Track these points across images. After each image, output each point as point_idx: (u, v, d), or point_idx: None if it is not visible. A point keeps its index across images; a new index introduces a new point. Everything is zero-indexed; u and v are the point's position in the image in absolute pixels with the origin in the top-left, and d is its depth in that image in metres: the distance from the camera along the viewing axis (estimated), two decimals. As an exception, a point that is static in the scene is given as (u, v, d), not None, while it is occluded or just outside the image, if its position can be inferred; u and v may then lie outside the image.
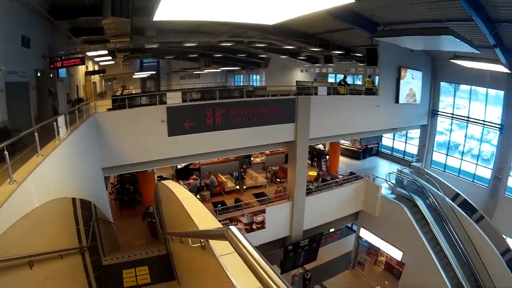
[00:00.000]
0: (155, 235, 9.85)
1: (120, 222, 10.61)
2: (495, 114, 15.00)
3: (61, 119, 5.72)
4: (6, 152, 3.43)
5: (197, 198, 11.93)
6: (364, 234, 13.96)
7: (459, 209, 12.98)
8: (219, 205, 11.33)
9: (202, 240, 3.08)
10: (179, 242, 4.67)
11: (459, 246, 12.41)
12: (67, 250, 4.54)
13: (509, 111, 14.09)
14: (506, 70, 12.26)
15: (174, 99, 10.16)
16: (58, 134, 5.46)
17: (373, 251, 14.55)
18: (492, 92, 15.24)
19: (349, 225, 17.12)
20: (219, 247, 2.61)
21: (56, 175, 5.11)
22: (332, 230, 15.56)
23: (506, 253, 12.24)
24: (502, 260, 11.57)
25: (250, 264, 1.44)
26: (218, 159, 13.62)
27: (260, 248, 11.52)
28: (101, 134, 8.48)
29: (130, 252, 7.28)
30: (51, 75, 9.69)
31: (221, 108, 10.10)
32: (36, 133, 4.38)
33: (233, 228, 1.87)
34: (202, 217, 3.89)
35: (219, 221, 10.22)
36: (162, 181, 9.09)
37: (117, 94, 17.49)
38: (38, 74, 8.53)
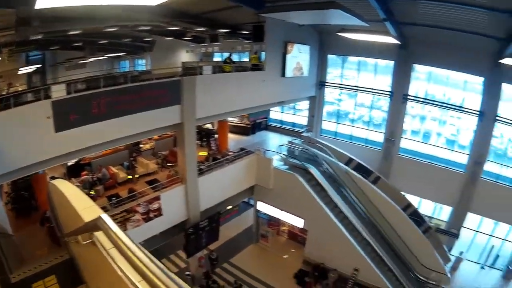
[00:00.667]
0: (56, 240, 9.11)
1: (20, 233, 9.74)
2: (385, 82, 16.17)
3: None
4: None
5: (92, 194, 11.49)
6: (262, 207, 14.31)
7: (354, 172, 13.81)
8: (114, 198, 10.79)
9: (90, 235, 2.95)
10: (76, 243, 4.43)
11: (359, 207, 13.20)
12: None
13: (399, 79, 15.23)
14: (396, 42, 13.14)
15: (58, 92, 9.44)
16: None
17: (274, 222, 15.10)
18: (382, 62, 16.39)
19: (246, 200, 17.45)
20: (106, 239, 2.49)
21: None
22: (229, 207, 15.81)
23: (408, 208, 13.28)
24: (405, 214, 12.54)
25: (120, 247, 1.36)
26: (108, 150, 13.05)
27: (161, 236, 11.42)
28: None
29: (36, 263, 6.95)
30: None
31: (106, 96, 9.50)
32: None
33: (104, 216, 1.76)
34: (89, 210, 3.76)
35: (115, 214, 9.86)
36: (51, 181, 8.45)
37: (3, 93, 15.85)
38: None
